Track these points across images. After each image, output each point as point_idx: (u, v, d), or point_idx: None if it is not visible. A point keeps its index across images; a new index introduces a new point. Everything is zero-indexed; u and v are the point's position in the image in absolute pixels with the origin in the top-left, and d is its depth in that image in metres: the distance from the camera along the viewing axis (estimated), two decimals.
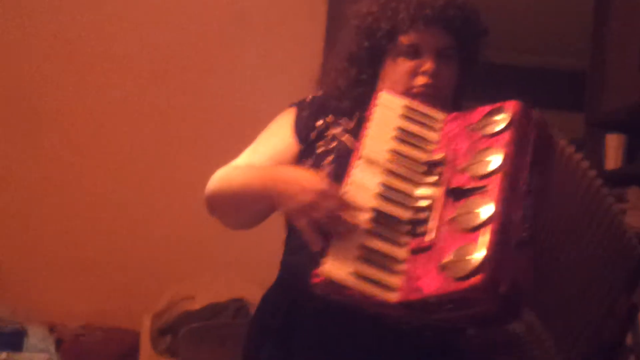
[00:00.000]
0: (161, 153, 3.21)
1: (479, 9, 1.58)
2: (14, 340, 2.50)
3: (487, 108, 1.41)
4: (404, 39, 1.51)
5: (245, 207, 1.52)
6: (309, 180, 1.36)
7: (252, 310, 1.67)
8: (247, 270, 2.92)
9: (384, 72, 1.55)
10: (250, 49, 3.27)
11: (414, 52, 1.51)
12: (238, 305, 2.81)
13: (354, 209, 1.31)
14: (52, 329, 2.84)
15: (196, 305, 2.85)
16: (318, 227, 1.31)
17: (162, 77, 3.27)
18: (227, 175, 1.53)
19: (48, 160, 3.21)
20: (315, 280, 1.25)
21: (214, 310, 2.81)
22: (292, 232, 1.52)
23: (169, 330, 2.85)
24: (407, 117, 1.45)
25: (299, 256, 1.44)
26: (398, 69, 1.52)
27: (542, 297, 1.28)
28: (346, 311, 1.29)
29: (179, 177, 3.20)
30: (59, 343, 2.80)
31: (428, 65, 1.50)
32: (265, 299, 1.56)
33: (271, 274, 1.56)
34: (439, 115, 1.46)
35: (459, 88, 1.53)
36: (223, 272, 3.03)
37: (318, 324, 1.42)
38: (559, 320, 1.32)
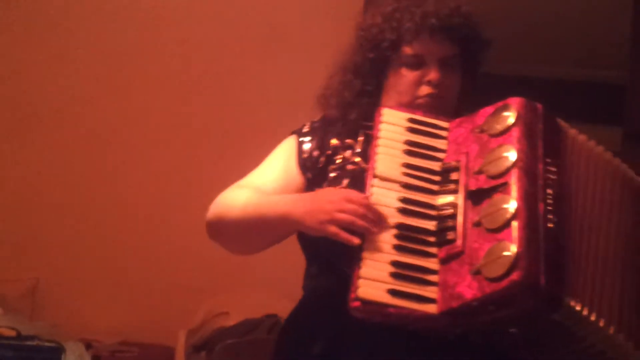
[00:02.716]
0: (198, 170, 3.20)
1: (483, 19, 1.57)
2: (52, 356, 2.52)
3: (490, 109, 1.41)
4: (408, 49, 1.51)
5: (259, 235, 1.49)
6: (330, 193, 1.37)
7: None
8: (281, 286, 2.90)
9: (388, 83, 1.54)
10: (285, 65, 3.27)
11: (418, 62, 1.51)
12: (273, 321, 2.80)
13: (379, 210, 1.31)
14: (89, 345, 2.86)
15: (231, 321, 2.84)
16: (349, 230, 1.30)
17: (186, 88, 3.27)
18: (237, 201, 1.51)
19: (83, 180, 3.24)
20: (354, 304, 1.24)
21: (248, 326, 2.81)
22: (312, 260, 1.52)
23: (204, 347, 2.84)
24: (412, 130, 1.44)
25: (325, 279, 1.44)
26: (403, 79, 1.52)
27: (581, 282, 1.26)
28: (389, 329, 1.27)
29: (216, 194, 3.23)
30: (95, 359, 2.82)
31: (432, 75, 1.50)
32: (295, 323, 1.53)
33: None
34: (443, 123, 1.46)
35: (462, 97, 1.52)
36: (257, 287, 3.03)
37: (365, 346, 1.38)
38: (604, 300, 1.29)
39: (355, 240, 1.29)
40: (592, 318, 1.25)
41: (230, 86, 3.28)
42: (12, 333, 2.57)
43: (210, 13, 3.32)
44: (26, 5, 3.26)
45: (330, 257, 1.42)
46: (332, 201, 1.34)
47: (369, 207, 1.32)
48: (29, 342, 2.54)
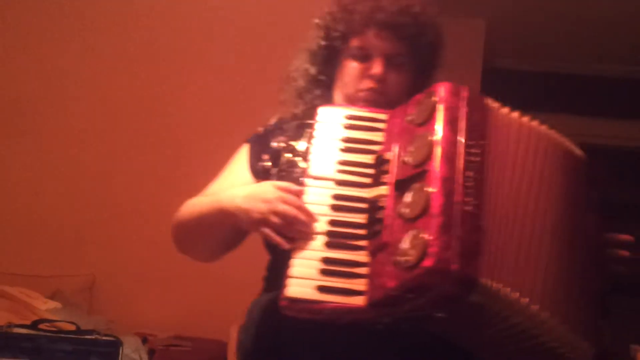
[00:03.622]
0: None
1: (435, 19, 1.56)
2: (111, 350, 2.56)
3: (419, 96, 1.41)
4: (355, 41, 1.52)
5: (208, 233, 1.52)
6: (266, 191, 1.39)
7: None
8: None
9: (338, 74, 1.55)
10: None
11: (363, 55, 1.52)
12: None
13: (311, 210, 1.33)
14: (144, 339, 2.92)
15: None
16: (281, 233, 1.33)
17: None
18: (185, 208, 1.56)
19: (137, 178, 3.30)
20: (282, 303, 1.27)
21: None
22: (268, 251, 1.54)
23: None
24: (349, 126, 1.45)
25: (276, 273, 1.44)
26: (348, 71, 1.53)
27: (502, 262, 1.26)
28: (327, 326, 1.29)
29: None
30: (151, 353, 2.88)
31: (375, 69, 1.50)
32: (248, 316, 1.56)
33: None
34: (380, 115, 1.47)
35: (412, 96, 1.50)
36: None
37: (307, 340, 1.39)
38: (527, 278, 1.28)
39: (285, 245, 1.33)
40: (514, 297, 1.25)
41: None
42: (72, 327, 2.63)
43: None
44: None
45: (278, 251, 1.42)
46: (267, 200, 1.36)
47: (302, 208, 1.34)
48: (87, 336, 2.58)
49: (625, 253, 1.49)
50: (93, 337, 2.58)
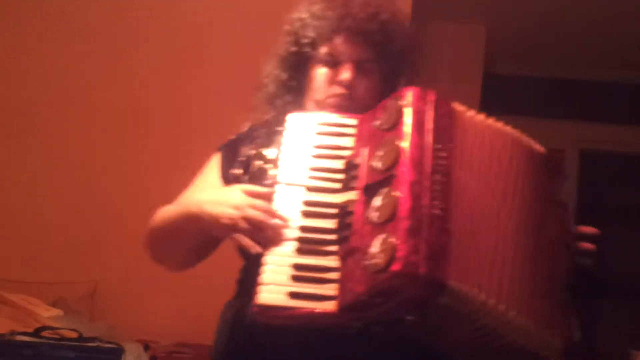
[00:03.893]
0: None
1: (405, 26, 1.58)
2: (113, 357, 2.57)
3: (387, 101, 1.42)
4: (325, 48, 1.53)
5: (178, 239, 1.53)
6: (236, 196, 1.39)
7: None
8: None
9: (308, 80, 1.56)
10: None
11: (333, 62, 1.53)
12: None
13: (282, 217, 1.34)
14: (146, 346, 2.91)
15: None
16: (251, 238, 1.34)
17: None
18: (156, 216, 1.57)
19: (139, 184, 3.30)
20: (254, 310, 1.28)
21: None
22: (242, 256, 1.54)
23: None
24: (319, 132, 1.46)
25: (248, 278, 1.46)
26: (317, 77, 1.54)
27: (469, 264, 1.27)
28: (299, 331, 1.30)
29: None
30: None
31: (344, 75, 1.51)
32: (222, 317, 1.59)
33: None
34: (350, 120, 1.47)
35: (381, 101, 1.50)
36: None
37: (278, 345, 1.39)
38: (494, 279, 1.29)
39: (255, 249, 1.33)
40: (481, 298, 1.27)
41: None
42: (74, 334, 2.63)
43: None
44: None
45: (250, 256, 1.42)
46: (237, 206, 1.36)
47: (271, 213, 1.35)
48: (89, 343, 2.59)
49: (590, 246, 1.50)
50: (95, 344, 2.59)
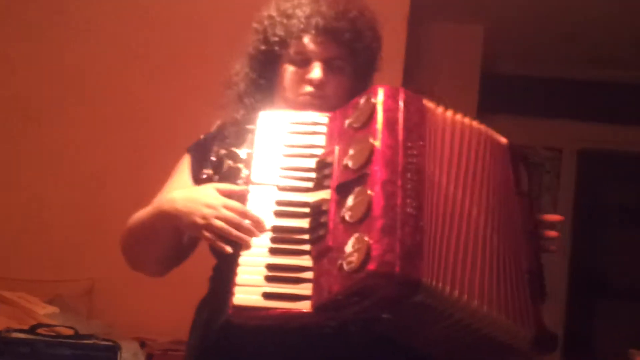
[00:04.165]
0: None
1: (375, 23, 1.57)
2: (109, 355, 2.58)
3: (357, 99, 1.42)
4: (294, 46, 1.53)
5: (151, 241, 1.51)
6: (209, 196, 1.39)
7: None
8: None
9: (278, 78, 1.55)
10: None
11: (302, 60, 1.52)
12: None
13: (255, 217, 1.34)
14: (143, 344, 2.93)
15: None
16: (223, 238, 1.34)
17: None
18: (131, 219, 1.56)
19: (136, 182, 3.31)
20: (230, 311, 1.27)
21: None
22: (215, 254, 1.53)
23: None
24: (289, 130, 1.45)
25: (220, 277, 1.46)
26: (287, 75, 1.54)
27: (442, 262, 1.28)
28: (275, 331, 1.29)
29: None
30: (149, 357, 2.89)
31: (313, 73, 1.51)
32: (196, 316, 1.58)
33: None
34: (321, 118, 1.47)
35: (352, 99, 1.49)
36: None
37: (254, 344, 1.38)
38: (466, 274, 1.31)
39: (227, 250, 1.33)
40: (455, 295, 1.28)
41: None
42: (70, 332, 2.64)
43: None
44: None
45: (222, 255, 1.42)
46: (211, 206, 1.37)
47: (245, 214, 1.35)
48: (86, 341, 2.61)
49: (554, 234, 1.53)
50: (91, 341, 2.61)
